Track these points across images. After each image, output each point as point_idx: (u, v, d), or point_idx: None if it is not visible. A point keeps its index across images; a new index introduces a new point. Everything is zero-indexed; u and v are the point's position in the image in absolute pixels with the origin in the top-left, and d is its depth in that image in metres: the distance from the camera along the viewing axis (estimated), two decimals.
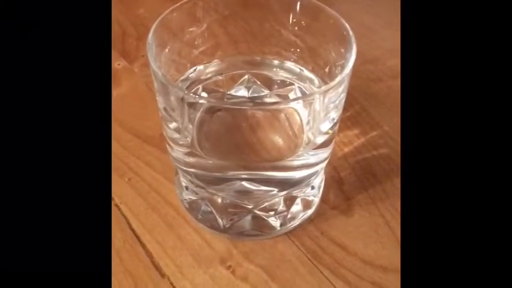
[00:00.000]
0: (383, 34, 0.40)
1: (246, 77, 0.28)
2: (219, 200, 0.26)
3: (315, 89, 0.27)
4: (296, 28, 0.27)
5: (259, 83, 0.28)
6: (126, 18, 0.40)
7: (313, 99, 0.24)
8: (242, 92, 0.29)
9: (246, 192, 0.25)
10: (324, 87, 0.22)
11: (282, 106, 0.27)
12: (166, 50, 0.25)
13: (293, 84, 0.28)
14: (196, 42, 0.27)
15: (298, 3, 0.26)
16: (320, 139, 0.24)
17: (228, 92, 0.28)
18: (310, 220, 0.27)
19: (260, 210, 0.26)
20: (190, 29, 0.27)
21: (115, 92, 0.34)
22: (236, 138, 0.28)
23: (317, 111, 0.25)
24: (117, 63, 0.36)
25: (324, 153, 0.25)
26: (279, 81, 0.28)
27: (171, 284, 0.25)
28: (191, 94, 0.23)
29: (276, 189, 0.25)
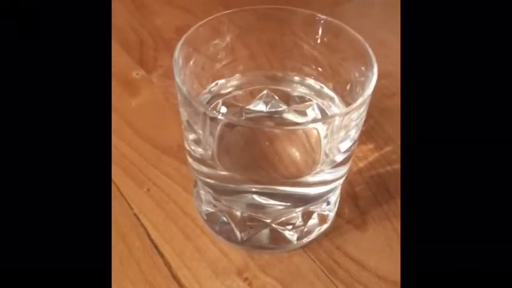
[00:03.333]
0: (396, 49, 0.40)
1: (265, 92, 0.29)
2: (238, 213, 0.26)
3: (334, 108, 0.27)
4: (318, 44, 0.27)
5: (277, 98, 0.29)
6: (144, 28, 0.41)
7: (333, 120, 0.24)
8: (260, 106, 0.29)
9: (258, 206, 0.25)
10: (345, 110, 0.22)
11: (300, 127, 0.28)
12: (191, 63, 0.26)
13: (311, 100, 0.28)
14: (219, 56, 0.28)
15: (320, 22, 0.26)
16: (339, 157, 0.25)
17: (247, 107, 0.29)
18: (325, 234, 0.28)
19: (277, 224, 0.26)
20: (214, 42, 0.27)
21: (133, 102, 0.35)
22: (254, 152, 0.28)
23: (336, 127, 0.25)
24: (136, 73, 0.37)
25: (342, 170, 0.26)
26: (297, 97, 0.29)
27: None
28: (213, 111, 0.24)
29: (290, 205, 0.25)
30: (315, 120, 0.28)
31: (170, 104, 0.34)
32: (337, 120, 0.24)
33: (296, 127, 0.28)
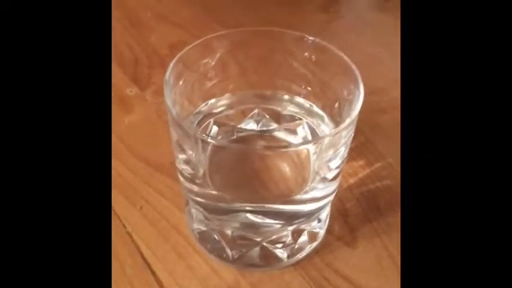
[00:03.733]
0: (388, 64, 0.41)
1: (256, 111, 0.29)
2: (229, 232, 0.27)
3: (325, 128, 0.27)
4: (306, 63, 0.28)
5: (268, 117, 0.29)
6: (138, 45, 0.42)
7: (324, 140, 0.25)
8: (251, 125, 0.30)
9: (252, 225, 0.26)
10: (334, 131, 0.23)
11: (291, 149, 0.28)
12: (181, 82, 0.26)
13: (301, 119, 0.29)
14: (209, 75, 0.28)
15: (308, 42, 0.27)
16: (330, 175, 0.25)
17: (238, 126, 0.29)
18: (315, 251, 0.28)
19: (268, 242, 0.27)
20: (204, 61, 0.28)
21: (126, 119, 0.35)
22: (245, 171, 0.29)
23: (325, 146, 0.26)
24: (129, 90, 0.38)
25: (332, 186, 0.26)
26: (287, 116, 0.29)
27: None
28: (202, 134, 0.24)
29: (283, 223, 0.26)
30: (305, 142, 0.29)
31: (163, 122, 0.35)
32: (326, 140, 0.24)
33: (287, 149, 0.28)
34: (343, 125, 0.22)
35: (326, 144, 0.25)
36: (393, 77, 0.40)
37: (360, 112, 0.24)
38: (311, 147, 0.28)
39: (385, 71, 0.40)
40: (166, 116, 0.24)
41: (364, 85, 0.24)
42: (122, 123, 0.35)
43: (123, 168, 0.32)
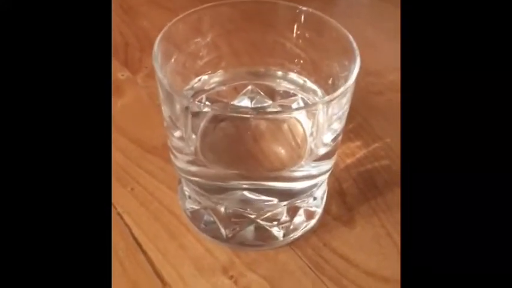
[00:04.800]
0: (385, 48, 0.40)
1: (250, 87, 0.29)
2: (222, 209, 0.26)
3: (318, 100, 0.27)
4: (300, 41, 0.27)
5: (262, 93, 0.29)
6: (130, 29, 0.41)
7: (317, 110, 0.24)
8: (245, 102, 0.29)
9: (248, 202, 0.25)
10: (327, 98, 0.22)
11: (285, 115, 0.28)
12: (172, 60, 0.26)
13: (296, 95, 0.28)
14: (200, 54, 0.28)
15: (302, 16, 0.26)
16: (322, 150, 0.24)
17: (232, 102, 0.29)
18: (312, 231, 0.27)
19: (263, 220, 0.26)
20: (195, 40, 0.27)
21: (118, 103, 0.35)
22: (239, 149, 0.28)
23: (320, 122, 0.25)
24: (121, 74, 0.37)
25: (326, 165, 0.25)
26: (282, 92, 0.28)
27: None
28: (196, 102, 0.24)
29: (277, 200, 0.25)
30: (298, 108, 0.28)
31: (154, 105, 0.34)
32: (320, 112, 0.24)
33: (279, 115, 0.28)
34: (335, 94, 0.22)
35: (321, 121, 0.24)
36: (390, 61, 0.39)
37: (356, 93, 0.24)
38: (307, 126, 0.27)
39: (382, 54, 0.40)
40: (158, 98, 0.24)
41: (361, 67, 0.23)
42: (114, 106, 0.34)
43: (114, 150, 0.31)
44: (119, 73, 0.37)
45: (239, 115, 0.24)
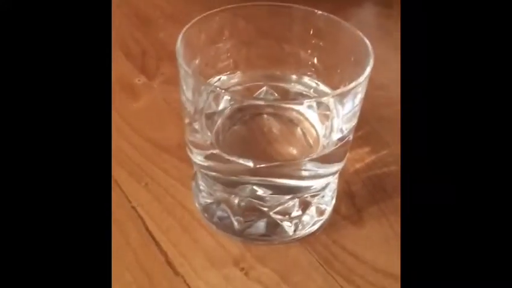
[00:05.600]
0: (393, 65, 0.42)
1: (264, 88, 0.30)
2: (235, 202, 0.26)
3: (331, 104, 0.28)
4: (314, 49, 0.28)
5: (276, 94, 0.30)
6: (147, 40, 0.42)
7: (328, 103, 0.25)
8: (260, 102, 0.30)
9: (257, 196, 0.26)
10: (338, 90, 0.23)
11: (296, 104, 0.29)
12: (196, 61, 0.27)
13: (309, 96, 0.29)
14: (221, 57, 0.29)
15: (318, 20, 0.27)
16: (329, 149, 0.25)
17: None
18: (322, 229, 0.28)
19: (275, 213, 0.26)
20: (217, 45, 0.28)
21: (134, 105, 0.36)
22: (252, 147, 0.29)
23: (334, 127, 0.26)
24: (137, 79, 0.38)
25: (333, 167, 0.26)
26: (295, 94, 0.29)
27: (185, 282, 0.25)
28: (218, 89, 0.24)
29: (286, 196, 0.26)
30: (311, 98, 0.29)
31: (171, 108, 0.35)
32: (334, 118, 0.25)
33: (295, 102, 0.29)
34: (347, 87, 0.23)
35: (335, 128, 0.25)
36: (396, 77, 0.40)
37: (365, 104, 0.25)
38: (320, 128, 0.28)
39: (390, 71, 0.41)
40: (175, 102, 0.25)
41: (370, 80, 0.24)
42: (130, 108, 0.35)
43: (130, 148, 0.32)
44: (135, 78, 0.38)
45: (258, 103, 0.25)
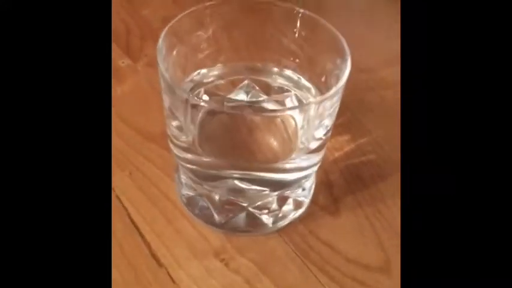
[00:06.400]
0: (378, 44, 0.42)
1: (246, 82, 0.30)
2: (216, 197, 0.27)
3: (311, 98, 0.28)
4: (296, 37, 0.29)
5: (257, 88, 0.30)
6: (131, 18, 0.42)
7: (309, 108, 0.26)
8: (241, 96, 0.30)
9: (238, 191, 0.27)
10: (319, 98, 0.23)
11: (279, 114, 0.29)
12: (174, 52, 0.27)
13: (290, 91, 0.30)
14: (201, 46, 0.29)
15: (298, 15, 0.28)
16: (313, 144, 0.26)
17: (228, 96, 0.30)
18: (300, 219, 0.29)
19: (254, 208, 0.28)
20: (197, 34, 0.28)
21: (118, 90, 0.36)
22: (234, 140, 0.30)
23: (312, 117, 0.26)
24: (121, 62, 0.38)
25: (316, 157, 0.27)
26: (276, 88, 0.30)
27: (168, 273, 0.26)
28: (195, 98, 0.25)
29: (268, 190, 0.27)
30: (292, 108, 0.30)
31: (154, 92, 0.35)
32: (312, 109, 0.25)
33: (273, 114, 0.29)
34: (328, 94, 0.23)
35: (312, 116, 0.26)
36: (382, 56, 0.40)
37: (347, 89, 0.25)
38: (298, 119, 0.29)
39: (375, 50, 0.41)
40: (159, 86, 0.25)
41: (353, 63, 0.25)
42: (114, 93, 0.35)
43: (114, 136, 0.33)
44: (119, 60, 0.38)
45: (236, 112, 0.25)
